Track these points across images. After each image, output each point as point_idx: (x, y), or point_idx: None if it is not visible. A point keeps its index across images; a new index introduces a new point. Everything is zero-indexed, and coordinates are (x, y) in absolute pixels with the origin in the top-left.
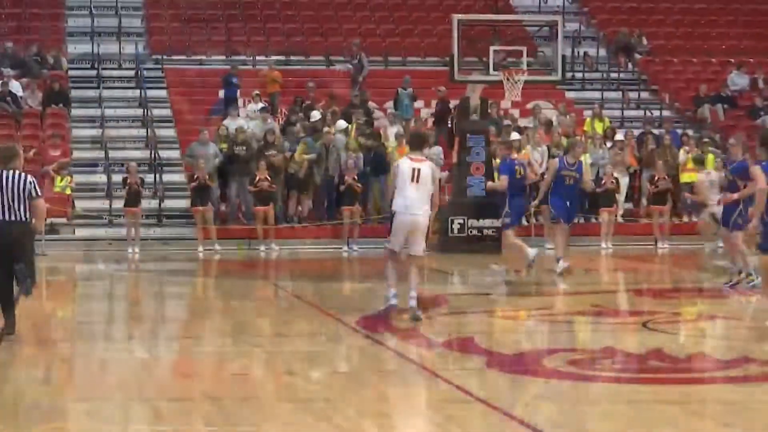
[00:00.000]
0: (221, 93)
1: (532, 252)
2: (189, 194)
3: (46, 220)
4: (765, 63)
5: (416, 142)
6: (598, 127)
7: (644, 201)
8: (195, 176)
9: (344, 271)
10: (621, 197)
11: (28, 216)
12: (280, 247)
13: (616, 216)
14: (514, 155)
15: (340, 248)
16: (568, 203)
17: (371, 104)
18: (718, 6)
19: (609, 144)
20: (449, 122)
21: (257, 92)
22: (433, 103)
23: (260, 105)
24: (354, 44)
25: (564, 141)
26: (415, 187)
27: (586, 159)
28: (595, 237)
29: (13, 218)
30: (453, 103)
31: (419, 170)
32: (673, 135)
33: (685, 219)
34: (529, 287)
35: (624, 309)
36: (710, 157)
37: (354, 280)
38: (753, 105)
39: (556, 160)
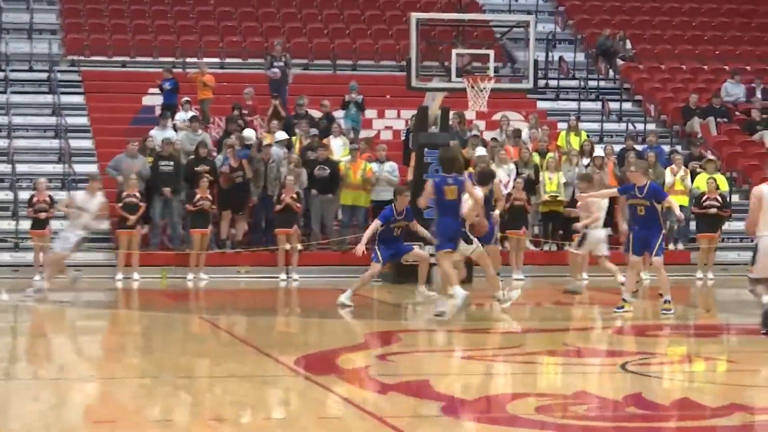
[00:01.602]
0: (145, 100)
1: (460, 295)
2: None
3: None
4: (764, 70)
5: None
6: (574, 142)
7: (624, 227)
8: (123, 194)
9: (282, 303)
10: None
11: None
12: (209, 276)
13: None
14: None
15: (277, 277)
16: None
17: (316, 113)
18: (710, 5)
19: (586, 161)
20: (404, 135)
21: (187, 99)
22: (387, 112)
23: (190, 114)
24: (277, 43)
25: (535, 157)
26: None
27: (559, 177)
28: (567, 267)
29: None
30: (408, 113)
31: None
32: (658, 152)
33: (673, 247)
34: (491, 323)
35: (600, 348)
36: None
37: (293, 314)
38: (750, 118)
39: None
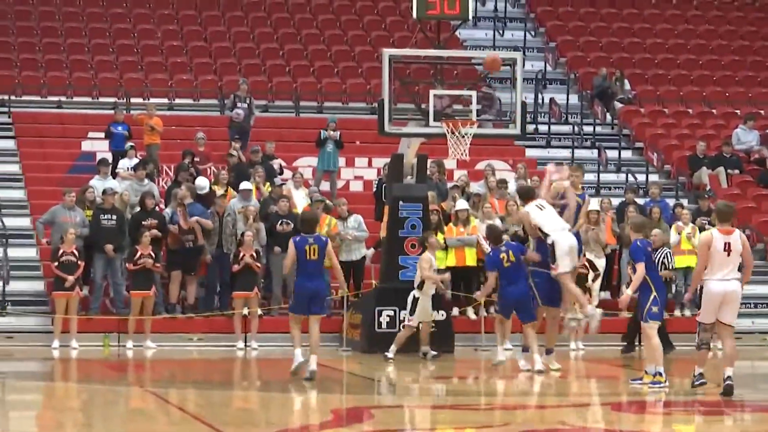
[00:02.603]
0: (85, 145)
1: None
2: (45, 274)
3: None
4: None
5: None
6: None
7: (625, 289)
8: (60, 252)
9: (240, 375)
10: (596, 284)
11: None
12: (157, 344)
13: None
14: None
15: (234, 345)
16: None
17: (278, 162)
18: (719, 42)
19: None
20: (376, 186)
21: (131, 145)
22: (357, 160)
23: (135, 161)
24: (242, 82)
25: None
26: None
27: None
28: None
29: None
30: (380, 161)
31: None
32: (662, 206)
33: (679, 313)
34: (478, 397)
35: (598, 427)
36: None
37: (252, 387)
38: (764, 168)
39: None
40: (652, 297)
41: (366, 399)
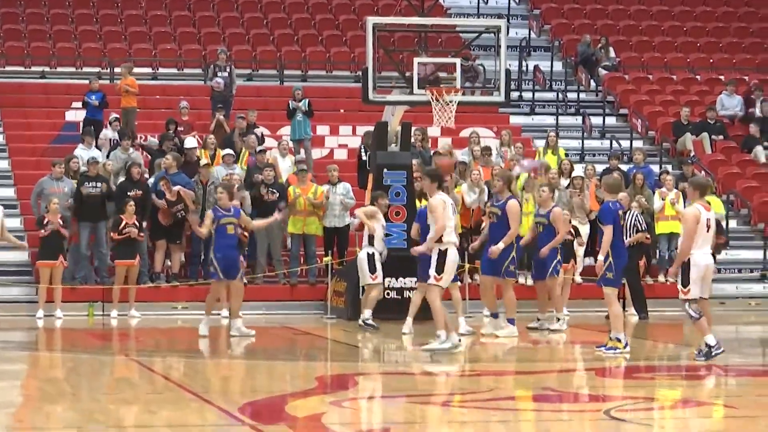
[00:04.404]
0: (69, 115)
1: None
2: (28, 244)
3: None
4: (764, 81)
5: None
6: (552, 161)
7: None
8: (45, 221)
9: (225, 343)
10: (580, 251)
11: None
12: (142, 313)
13: (573, 275)
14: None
15: (219, 314)
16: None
17: (261, 130)
18: (704, 8)
19: (565, 182)
20: (360, 153)
21: (116, 116)
22: (341, 129)
23: (119, 129)
24: (220, 51)
25: None
26: None
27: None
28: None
29: None
30: (364, 129)
31: None
32: (646, 172)
33: (663, 279)
34: (462, 364)
35: (582, 392)
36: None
37: (237, 356)
38: (748, 134)
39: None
40: (607, 263)
41: (350, 366)
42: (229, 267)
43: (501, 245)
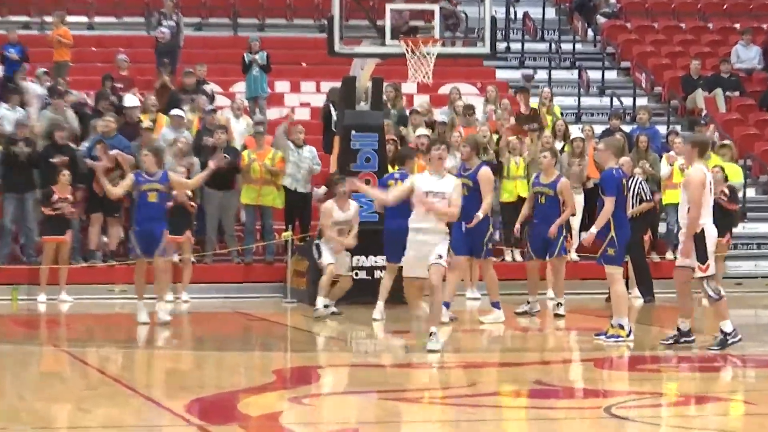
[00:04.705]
0: None
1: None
2: None
3: None
4: None
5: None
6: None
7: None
8: None
9: (168, 331)
10: (575, 223)
11: None
12: (74, 297)
13: (568, 251)
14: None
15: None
16: None
17: (212, 87)
18: None
19: (560, 144)
20: (325, 113)
21: (44, 70)
22: (303, 85)
23: (48, 85)
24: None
25: (495, 141)
26: None
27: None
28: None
29: None
30: (329, 85)
31: None
32: (652, 133)
33: (673, 255)
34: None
35: (578, 387)
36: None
37: (182, 346)
38: (767, 90)
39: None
40: (609, 237)
41: (312, 357)
42: (148, 242)
43: (480, 214)
